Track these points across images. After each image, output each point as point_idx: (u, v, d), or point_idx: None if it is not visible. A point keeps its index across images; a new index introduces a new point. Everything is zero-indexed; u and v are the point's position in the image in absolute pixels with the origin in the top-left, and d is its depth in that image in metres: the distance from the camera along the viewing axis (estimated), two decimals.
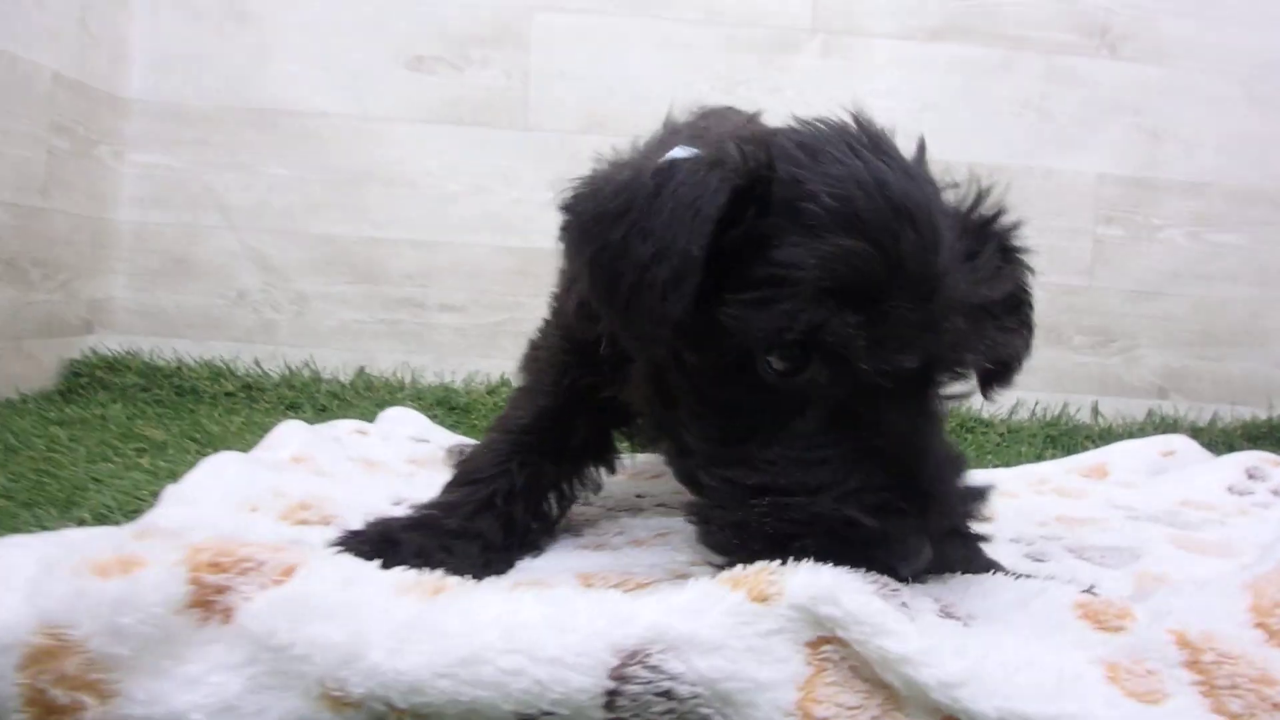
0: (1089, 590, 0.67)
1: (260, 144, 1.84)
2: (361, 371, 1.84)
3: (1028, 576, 0.69)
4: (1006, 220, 0.71)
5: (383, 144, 1.85)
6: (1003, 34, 1.90)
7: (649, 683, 0.50)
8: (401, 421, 1.45)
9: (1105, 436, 1.70)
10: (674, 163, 0.64)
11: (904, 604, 0.57)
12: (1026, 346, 0.75)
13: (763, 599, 0.54)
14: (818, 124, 0.67)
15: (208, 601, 0.53)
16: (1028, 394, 1.86)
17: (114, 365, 1.76)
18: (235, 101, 1.84)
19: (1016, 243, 0.73)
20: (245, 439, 1.30)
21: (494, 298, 1.87)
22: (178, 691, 0.51)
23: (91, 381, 1.73)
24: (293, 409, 1.68)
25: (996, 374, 0.77)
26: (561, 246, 0.68)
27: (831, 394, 0.62)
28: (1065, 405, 1.86)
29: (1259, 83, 1.92)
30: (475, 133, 1.86)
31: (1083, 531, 0.97)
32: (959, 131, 1.89)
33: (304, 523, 0.83)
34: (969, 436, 1.69)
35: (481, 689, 0.50)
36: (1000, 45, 1.90)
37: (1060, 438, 1.70)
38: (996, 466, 1.44)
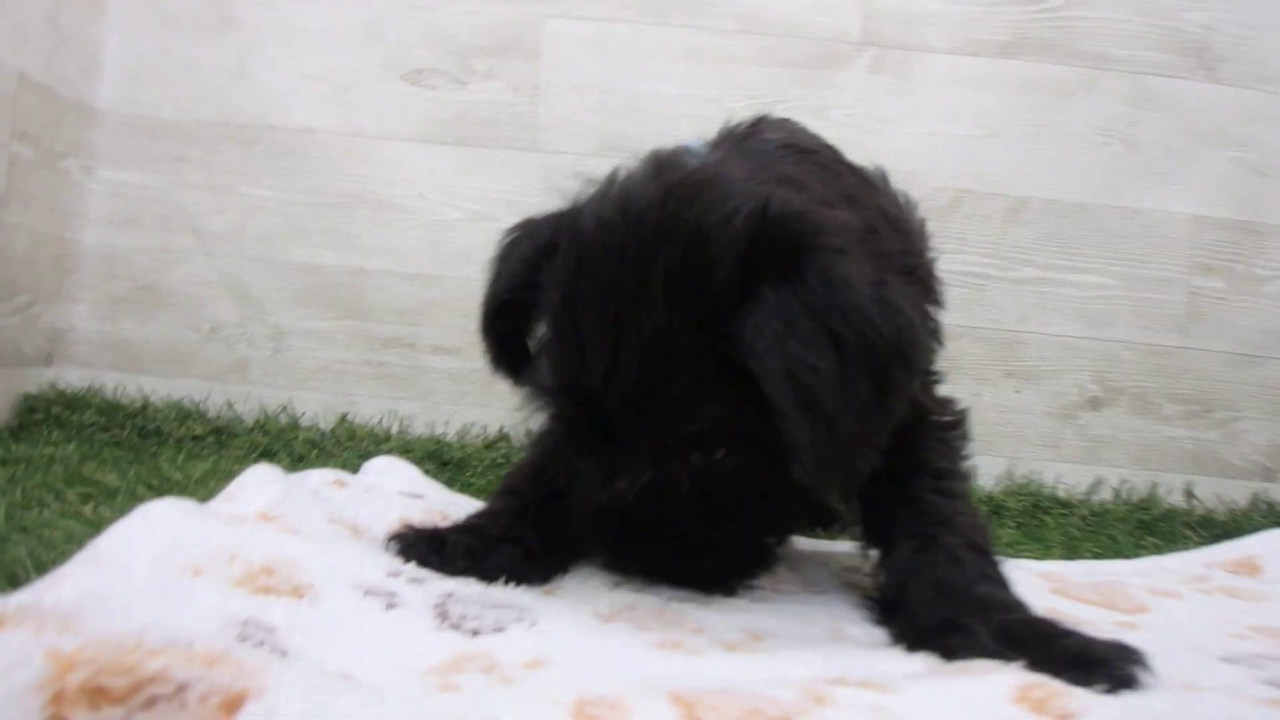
0: None
1: (240, 162, 1.66)
2: (344, 419, 1.63)
3: None
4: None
5: (374, 164, 1.66)
6: (1082, 51, 1.65)
7: None
8: (389, 473, 1.21)
9: (1205, 525, 1.43)
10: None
11: None
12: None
13: None
14: (634, 191, 0.68)
15: None
16: (1109, 470, 1.59)
17: (72, 402, 1.58)
18: (214, 115, 1.66)
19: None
20: (208, 487, 1.12)
21: None
22: None
23: (47, 418, 1.56)
24: (266, 457, 1.48)
25: None
26: None
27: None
28: (1154, 485, 1.59)
29: None
30: (477, 153, 1.66)
31: None
32: (1031, 162, 1.64)
33: (267, 591, 0.60)
34: (1046, 519, 1.44)
35: None
36: (1079, 63, 1.65)
37: (1155, 524, 1.43)
38: (1096, 557, 1.19)
